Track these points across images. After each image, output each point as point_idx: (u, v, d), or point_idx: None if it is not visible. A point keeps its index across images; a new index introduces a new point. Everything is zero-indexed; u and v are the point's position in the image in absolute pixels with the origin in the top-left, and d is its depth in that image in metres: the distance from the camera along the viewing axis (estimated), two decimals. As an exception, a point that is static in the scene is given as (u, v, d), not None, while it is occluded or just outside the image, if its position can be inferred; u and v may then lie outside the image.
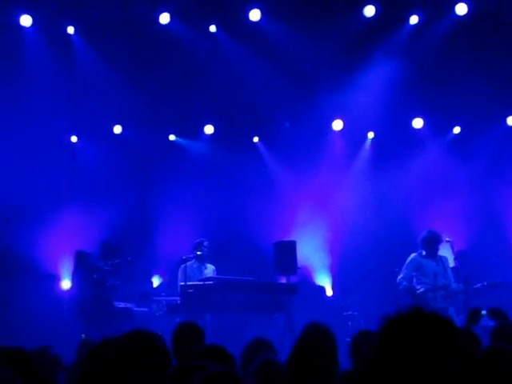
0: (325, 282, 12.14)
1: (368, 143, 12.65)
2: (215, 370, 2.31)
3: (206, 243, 10.51)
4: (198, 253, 10.33)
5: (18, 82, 11.27)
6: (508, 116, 12.14)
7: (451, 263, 9.74)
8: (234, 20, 11.64)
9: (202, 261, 10.46)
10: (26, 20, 11.36)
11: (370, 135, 12.59)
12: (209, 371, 2.31)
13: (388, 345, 1.96)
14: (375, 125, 12.29)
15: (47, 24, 11.51)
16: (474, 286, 9.37)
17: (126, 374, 2.65)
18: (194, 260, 10.33)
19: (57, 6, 11.24)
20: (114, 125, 12.35)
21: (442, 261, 9.58)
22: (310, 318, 4.56)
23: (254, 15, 11.55)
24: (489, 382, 3.58)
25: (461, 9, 11.33)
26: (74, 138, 12.32)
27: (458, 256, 9.87)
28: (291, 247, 10.26)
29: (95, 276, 9.80)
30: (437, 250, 9.58)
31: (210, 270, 10.50)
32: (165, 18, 11.54)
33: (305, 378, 3.90)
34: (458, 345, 1.96)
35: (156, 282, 11.81)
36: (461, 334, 2.01)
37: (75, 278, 10.17)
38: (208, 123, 12.57)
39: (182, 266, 10.19)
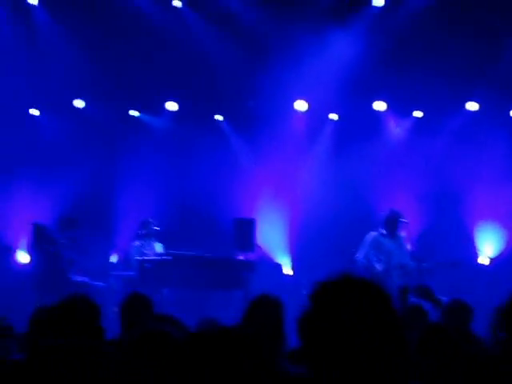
0: (284, 260, 12.21)
1: (330, 124, 12.70)
2: (150, 329, 2.33)
3: (151, 220, 10.63)
4: (154, 229, 10.43)
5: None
6: (467, 101, 12.28)
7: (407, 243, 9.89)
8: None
9: (150, 238, 10.54)
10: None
11: (333, 116, 12.64)
12: (144, 330, 2.33)
13: (317, 308, 1.92)
14: (338, 106, 12.34)
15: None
16: (425, 265, 9.53)
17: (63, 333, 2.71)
18: (144, 238, 10.42)
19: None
20: (75, 98, 12.19)
21: (400, 240, 9.72)
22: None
23: (220, -9, 11.48)
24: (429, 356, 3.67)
25: (426, -8, 11.39)
26: (33, 111, 12.13)
27: (412, 236, 10.01)
28: (250, 224, 10.30)
29: (51, 249, 9.73)
30: (397, 229, 9.71)
31: (159, 247, 10.58)
32: (128, -9, 11.40)
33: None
34: (388, 310, 1.92)
35: (114, 256, 11.76)
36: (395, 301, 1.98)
37: (32, 250, 10.09)
38: (171, 99, 12.48)
39: (137, 242, 10.27)
